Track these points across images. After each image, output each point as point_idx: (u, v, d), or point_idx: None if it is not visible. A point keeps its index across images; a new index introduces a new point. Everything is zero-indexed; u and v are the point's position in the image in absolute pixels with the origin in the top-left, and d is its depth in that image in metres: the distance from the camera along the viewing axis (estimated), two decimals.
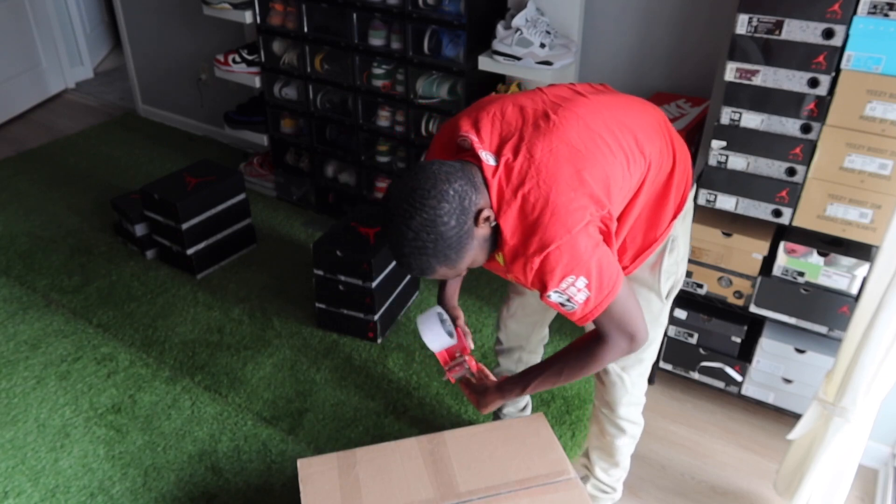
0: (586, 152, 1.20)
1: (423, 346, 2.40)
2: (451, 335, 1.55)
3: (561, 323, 2.25)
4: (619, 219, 1.33)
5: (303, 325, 2.50)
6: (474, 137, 1.23)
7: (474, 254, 1.21)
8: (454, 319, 1.60)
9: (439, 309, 1.57)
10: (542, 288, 1.20)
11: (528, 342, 1.83)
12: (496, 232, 1.22)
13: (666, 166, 1.36)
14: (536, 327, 1.80)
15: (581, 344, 1.36)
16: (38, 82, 4.20)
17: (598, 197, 1.19)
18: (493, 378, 1.58)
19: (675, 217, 1.41)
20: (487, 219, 1.18)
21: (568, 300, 1.20)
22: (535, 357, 1.90)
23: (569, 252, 1.16)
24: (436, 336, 1.54)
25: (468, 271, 1.28)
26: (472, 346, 1.61)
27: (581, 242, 1.16)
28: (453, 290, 1.64)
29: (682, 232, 1.47)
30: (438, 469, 1.56)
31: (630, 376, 1.61)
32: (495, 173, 1.19)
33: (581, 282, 1.18)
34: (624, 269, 1.43)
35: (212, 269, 2.79)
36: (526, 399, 1.99)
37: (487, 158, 1.20)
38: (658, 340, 1.59)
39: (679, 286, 1.54)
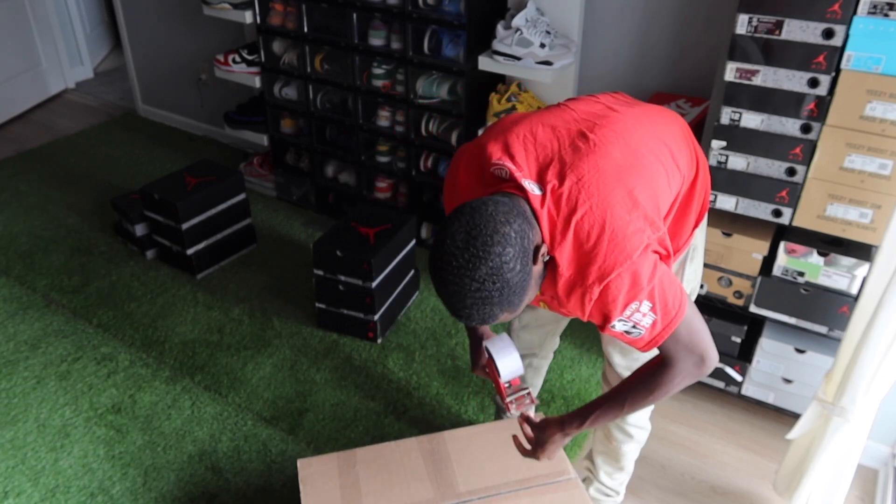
0: (633, 171, 1.14)
1: (423, 347, 2.40)
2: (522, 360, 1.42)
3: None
4: None
5: (303, 325, 2.50)
6: (511, 166, 1.14)
7: (532, 293, 1.12)
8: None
9: (506, 334, 1.46)
10: (605, 319, 1.13)
11: (542, 349, 1.82)
12: (547, 265, 1.14)
13: (690, 176, 1.33)
14: (549, 336, 1.78)
15: (646, 372, 1.27)
16: (38, 82, 4.20)
17: (653, 218, 1.13)
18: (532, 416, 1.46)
19: (696, 226, 1.40)
20: (543, 254, 1.10)
21: (633, 327, 1.13)
22: (546, 362, 1.88)
23: (630, 278, 1.09)
24: (513, 361, 1.40)
25: None
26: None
27: (642, 267, 1.09)
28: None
29: (700, 240, 1.46)
30: (438, 469, 1.56)
31: None
32: (543, 203, 1.10)
33: (645, 306, 1.11)
34: None
35: (212, 269, 2.79)
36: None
37: (532, 188, 1.11)
38: None
39: (696, 294, 1.52)
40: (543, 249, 1.09)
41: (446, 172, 1.34)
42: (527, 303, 1.12)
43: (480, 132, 2.52)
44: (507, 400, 1.44)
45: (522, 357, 1.68)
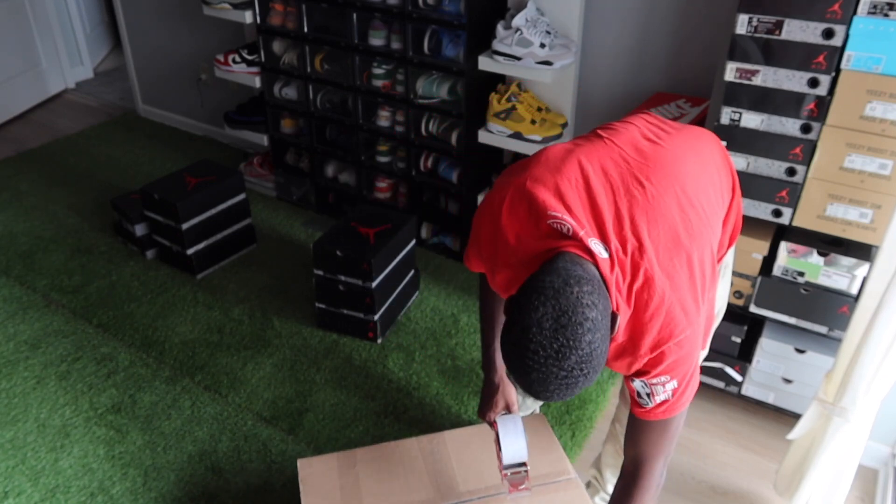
0: (693, 232, 1.10)
1: (424, 347, 2.40)
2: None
3: None
4: None
5: (303, 325, 2.50)
6: (573, 222, 1.07)
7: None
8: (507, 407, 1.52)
9: (519, 417, 1.49)
10: (637, 377, 1.12)
11: None
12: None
13: (728, 197, 1.32)
14: None
15: (621, 489, 1.25)
16: (38, 82, 4.20)
17: (706, 283, 1.11)
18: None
19: (730, 244, 1.39)
20: (618, 324, 1.06)
21: (648, 394, 1.13)
22: None
23: (676, 354, 1.08)
24: (519, 447, 1.45)
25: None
26: None
27: (690, 345, 1.08)
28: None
29: (731, 258, 1.45)
30: (438, 469, 1.56)
31: None
32: (612, 268, 1.06)
33: (671, 385, 1.11)
34: None
35: (212, 269, 2.79)
36: (537, 406, 1.99)
37: (600, 252, 1.05)
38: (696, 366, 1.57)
39: (724, 312, 1.51)
40: (619, 320, 1.06)
41: (481, 206, 1.26)
42: None
43: (481, 134, 2.52)
44: (504, 475, 1.47)
45: None
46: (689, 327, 1.07)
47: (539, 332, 0.96)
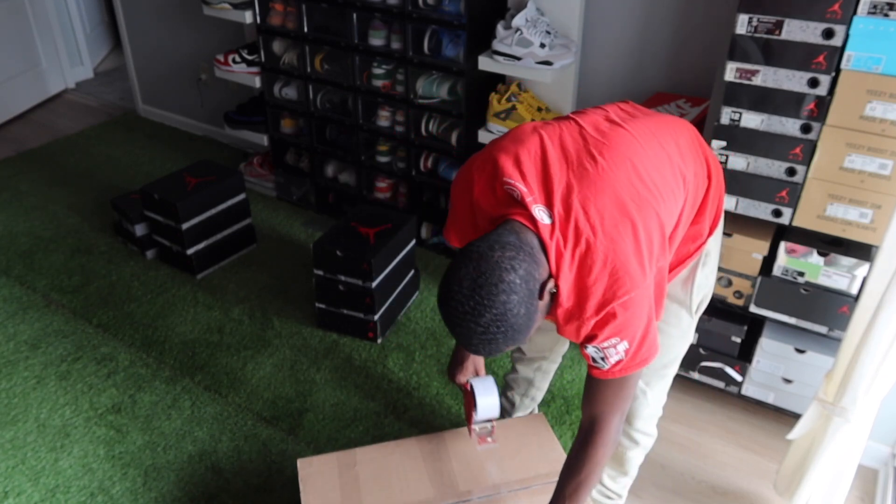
0: (640, 202, 1.15)
1: (423, 347, 2.40)
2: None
3: None
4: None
5: (303, 325, 2.50)
6: (523, 188, 1.15)
7: (538, 324, 1.15)
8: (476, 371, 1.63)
9: (492, 377, 1.58)
10: (588, 342, 1.18)
11: (552, 352, 1.82)
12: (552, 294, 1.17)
13: (703, 184, 1.34)
14: (561, 340, 1.78)
15: (578, 444, 1.29)
16: (38, 82, 4.20)
17: (653, 252, 1.15)
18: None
19: (711, 233, 1.40)
20: (549, 289, 1.13)
21: (602, 358, 1.18)
22: (554, 366, 1.88)
23: (623, 315, 1.13)
24: (492, 404, 1.55)
25: None
26: None
27: (636, 307, 1.13)
28: None
29: (714, 246, 1.45)
30: (438, 469, 1.56)
31: (653, 391, 1.60)
32: (552, 234, 1.12)
33: (622, 346, 1.15)
34: None
35: (212, 269, 2.79)
36: (536, 405, 1.99)
37: (542, 217, 1.13)
38: (682, 356, 1.58)
39: (708, 299, 1.52)
40: (550, 284, 1.11)
41: (457, 173, 1.35)
42: (533, 332, 1.14)
43: (481, 134, 2.53)
44: (473, 428, 1.61)
45: (532, 360, 1.80)
46: (634, 289, 1.11)
47: (458, 291, 1.07)
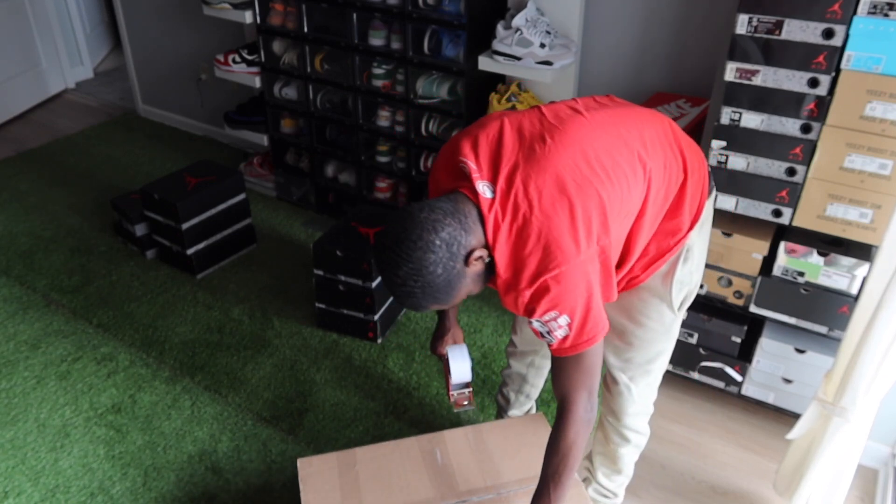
0: (581, 182, 1.19)
1: (424, 347, 2.40)
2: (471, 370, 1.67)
3: None
4: (629, 237, 1.32)
5: (303, 325, 2.50)
6: (473, 165, 1.23)
7: (468, 289, 1.23)
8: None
9: (465, 345, 1.68)
10: (529, 315, 1.23)
11: (543, 347, 1.82)
12: (491, 264, 1.23)
13: (677, 178, 1.34)
14: None
15: (553, 427, 1.32)
16: (38, 82, 4.20)
17: (591, 231, 1.19)
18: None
19: (691, 227, 1.39)
20: (481, 258, 1.20)
21: (548, 332, 1.22)
22: (548, 361, 1.88)
23: (556, 288, 1.17)
24: (464, 369, 1.65)
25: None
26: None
27: (569, 281, 1.17)
28: (453, 310, 1.70)
29: (698, 241, 1.44)
30: (438, 469, 1.56)
31: (638, 387, 1.60)
32: (491, 207, 1.20)
33: (563, 319, 1.20)
34: (635, 278, 1.42)
35: (212, 269, 2.79)
36: (532, 402, 1.99)
37: (484, 191, 1.21)
38: (669, 352, 1.57)
39: (693, 296, 1.51)
40: (481, 253, 1.19)
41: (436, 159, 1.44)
42: (461, 297, 1.24)
43: None
44: (451, 394, 1.70)
45: (524, 354, 1.84)
46: (565, 263, 1.16)
47: (383, 244, 1.20)
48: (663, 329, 1.50)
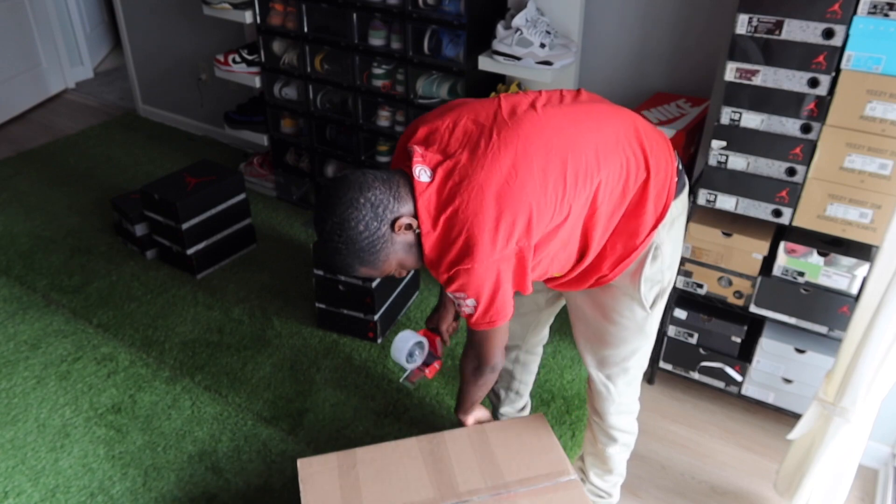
0: (515, 187, 1.24)
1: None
2: (412, 358, 1.75)
3: (561, 322, 2.25)
4: (585, 231, 1.34)
5: (303, 325, 2.50)
6: (419, 150, 1.30)
7: (399, 257, 1.32)
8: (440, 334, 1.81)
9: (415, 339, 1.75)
10: (446, 287, 1.32)
11: (525, 342, 1.82)
12: (419, 241, 1.31)
13: (637, 176, 1.34)
14: (531, 328, 1.79)
15: (467, 358, 1.53)
16: (38, 82, 4.20)
17: (512, 235, 1.24)
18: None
19: (655, 226, 1.39)
20: (410, 226, 1.28)
21: (458, 305, 1.35)
22: (534, 357, 1.89)
23: (464, 278, 1.27)
24: (400, 347, 1.72)
25: (421, 271, 1.34)
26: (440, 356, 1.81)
27: (480, 275, 1.26)
28: (444, 306, 1.80)
29: (667, 239, 1.43)
30: (438, 469, 1.56)
31: (616, 386, 1.60)
32: (424, 191, 1.27)
33: (470, 301, 1.31)
34: (603, 276, 1.43)
35: (212, 269, 2.79)
36: (525, 399, 1.99)
37: (420, 175, 1.28)
38: (645, 350, 1.57)
39: (667, 294, 1.50)
40: (409, 221, 1.27)
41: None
42: (392, 265, 1.33)
43: None
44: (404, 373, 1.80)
45: (508, 350, 1.87)
46: (478, 262, 1.25)
47: (318, 200, 1.30)
48: (636, 327, 1.50)
